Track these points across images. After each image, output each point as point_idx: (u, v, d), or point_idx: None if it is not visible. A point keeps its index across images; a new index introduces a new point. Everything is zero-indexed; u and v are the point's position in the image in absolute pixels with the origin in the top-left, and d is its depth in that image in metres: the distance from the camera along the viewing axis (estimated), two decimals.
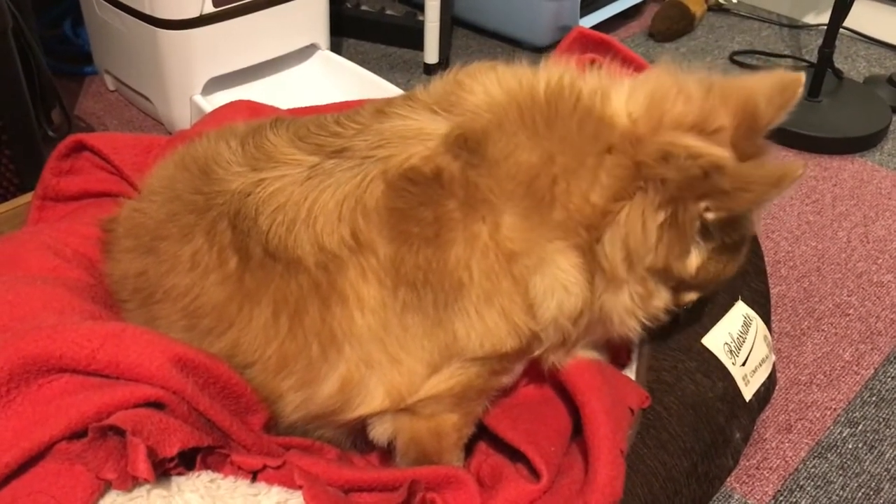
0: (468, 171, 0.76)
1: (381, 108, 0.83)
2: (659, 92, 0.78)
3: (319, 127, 0.84)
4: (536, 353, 0.84)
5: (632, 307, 0.81)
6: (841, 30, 1.80)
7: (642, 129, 0.76)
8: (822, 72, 1.83)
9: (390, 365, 0.79)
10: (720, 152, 0.74)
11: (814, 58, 1.87)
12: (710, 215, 0.75)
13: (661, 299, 0.82)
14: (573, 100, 0.77)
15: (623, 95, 0.79)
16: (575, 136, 0.76)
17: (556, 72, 0.81)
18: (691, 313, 0.95)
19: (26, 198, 1.19)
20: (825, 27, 1.79)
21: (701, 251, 0.80)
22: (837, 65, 1.91)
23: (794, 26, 2.31)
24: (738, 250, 0.84)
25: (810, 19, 2.32)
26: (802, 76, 0.80)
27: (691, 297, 0.86)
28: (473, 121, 0.78)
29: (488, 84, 0.81)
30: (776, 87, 0.79)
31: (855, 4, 1.78)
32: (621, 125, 0.77)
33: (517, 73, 0.82)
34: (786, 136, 1.79)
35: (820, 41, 1.81)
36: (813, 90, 1.86)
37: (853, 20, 1.99)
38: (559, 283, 0.77)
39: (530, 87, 0.79)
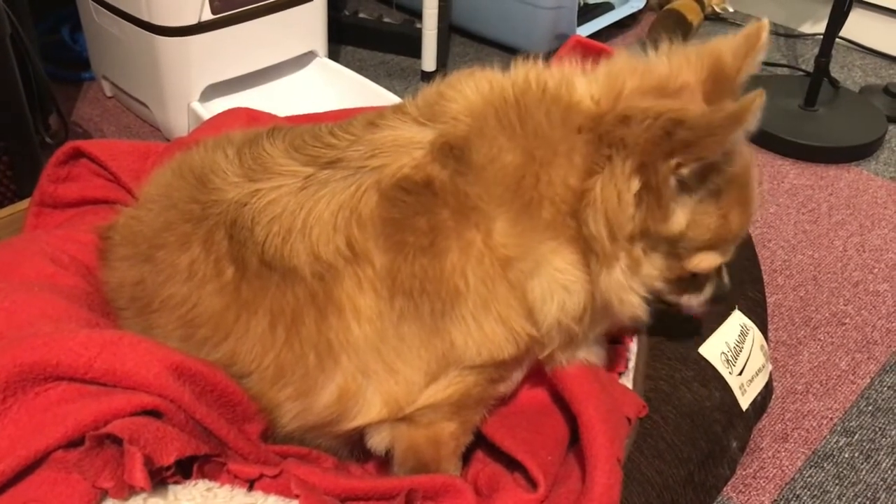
0: (457, 179, 0.76)
1: (372, 120, 0.84)
2: (615, 70, 0.79)
3: (314, 138, 0.84)
4: (542, 355, 0.84)
5: (625, 282, 0.78)
6: (837, 39, 1.81)
7: (605, 107, 0.76)
8: (818, 81, 1.84)
9: (387, 374, 0.79)
10: (677, 105, 0.73)
11: (810, 67, 1.88)
12: (683, 170, 0.73)
13: (654, 266, 0.79)
14: (539, 92, 0.78)
15: (584, 81, 0.79)
16: (545, 127, 0.76)
17: (522, 70, 0.81)
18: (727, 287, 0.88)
19: (23, 204, 1.19)
20: (821, 37, 1.80)
21: (686, 207, 0.76)
22: (833, 74, 1.92)
23: (790, 35, 2.32)
24: (733, 196, 0.78)
25: (806, 29, 2.33)
26: (766, 22, 0.80)
27: (707, 259, 0.80)
28: (455, 127, 0.79)
29: (467, 91, 0.81)
30: (739, 39, 0.80)
31: (851, 14, 1.79)
32: (587, 108, 0.77)
33: (490, 77, 0.82)
34: (782, 145, 1.80)
35: (816, 50, 1.82)
36: (809, 99, 1.86)
37: (849, 30, 2.00)
38: (558, 285, 0.77)
39: (501, 89, 0.80)
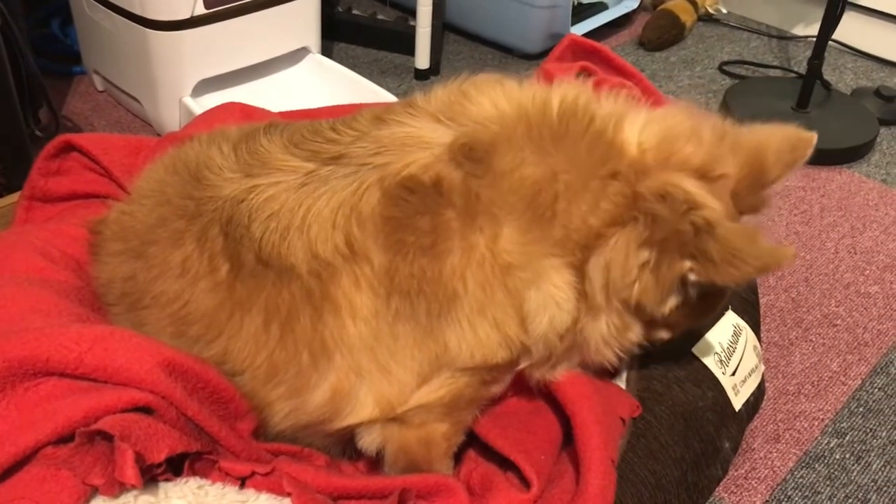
0: (470, 182, 0.75)
1: (379, 115, 0.83)
2: (673, 129, 0.78)
3: (314, 133, 0.83)
4: (522, 366, 0.83)
5: (608, 337, 0.81)
6: (829, 42, 1.81)
7: (650, 162, 0.76)
8: (810, 83, 1.84)
9: (380, 374, 0.79)
10: (715, 206, 0.73)
11: (802, 69, 1.88)
12: (692, 276, 0.75)
13: (636, 333, 0.82)
14: (586, 121, 0.77)
15: (637, 125, 0.79)
16: (583, 158, 0.76)
17: (571, 91, 0.80)
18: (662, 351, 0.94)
19: (13, 198, 1.17)
20: (813, 39, 1.80)
21: (677, 299, 0.79)
22: (825, 76, 1.93)
23: (783, 37, 2.33)
24: (713, 305, 0.85)
25: (799, 31, 2.33)
26: (814, 136, 0.81)
27: (662, 335, 0.86)
28: (480, 132, 0.77)
29: (496, 97, 0.80)
30: (786, 145, 0.80)
31: (843, 17, 1.79)
32: (630, 154, 0.77)
33: (526, 89, 0.81)
34: None
35: (808, 52, 1.82)
36: (801, 101, 1.87)
37: (841, 33, 2.00)
38: (552, 299, 0.77)
39: (543, 104, 0.79)
